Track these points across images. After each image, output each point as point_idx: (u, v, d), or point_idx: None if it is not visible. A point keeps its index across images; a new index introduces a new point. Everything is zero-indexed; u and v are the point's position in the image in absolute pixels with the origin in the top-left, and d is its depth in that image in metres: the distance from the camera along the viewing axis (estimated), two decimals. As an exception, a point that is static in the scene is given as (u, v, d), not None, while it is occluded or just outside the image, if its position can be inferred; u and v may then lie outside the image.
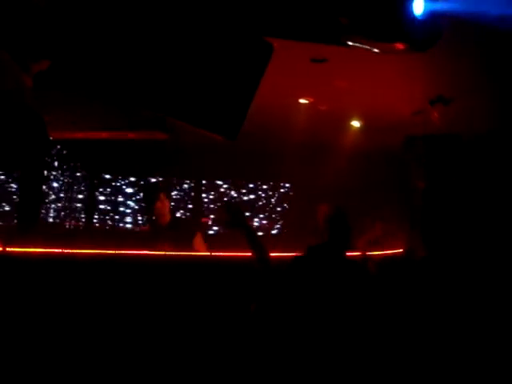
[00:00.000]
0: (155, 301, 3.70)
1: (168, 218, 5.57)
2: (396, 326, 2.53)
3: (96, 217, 8.00)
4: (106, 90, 3.26)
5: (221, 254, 4.69)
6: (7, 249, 3.79)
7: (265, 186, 8.50)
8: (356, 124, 6.45)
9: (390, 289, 2.68)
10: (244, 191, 8.44)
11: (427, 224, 6.33)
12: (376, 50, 3.50)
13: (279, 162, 7.15)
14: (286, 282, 2.57)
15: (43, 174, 7.15)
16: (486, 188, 6.61)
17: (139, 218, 8.09)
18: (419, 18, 3.31)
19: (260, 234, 8.42)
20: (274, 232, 8.42)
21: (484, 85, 5.04)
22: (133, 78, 3.23)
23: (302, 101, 5.72)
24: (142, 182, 8.15)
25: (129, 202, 8.10)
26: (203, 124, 3.45)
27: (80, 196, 7.89)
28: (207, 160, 7.11)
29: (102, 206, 8.03)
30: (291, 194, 8.49)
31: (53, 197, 7.52)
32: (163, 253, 4.54)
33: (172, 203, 6.66)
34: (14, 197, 7.28)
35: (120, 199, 8.08)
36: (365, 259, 3.76)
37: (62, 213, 7.64)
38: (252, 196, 8.48)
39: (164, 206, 5.55)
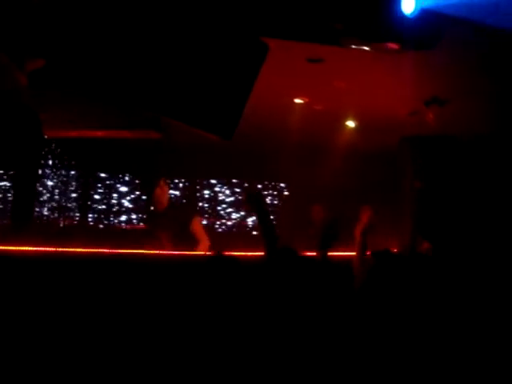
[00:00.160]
0: (150, 299, 3.70)
1: (165, 205, 5.61)
2: (394, 324, 2.54)
3: (90, 215, 7.99)
4: (101, 89, 3.25)
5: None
6: (1, 247, 3.78)
7: (259, 186, 8.50)
8: (351, 124, 6.45)
9: (387, 286, 2.69)
10: (238, 190, 8.44)
11: (423, 223, 6.34)
12: (370, 50, 3.52)
13: (274, 161, 7.15)
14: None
15: (37, 172, 7.14)
16: (481, 188, 6.63)
17: (133, 216, 8.08)
18: (410, 17, 3.32)
19: (254, 233, 8.43)
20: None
21: (479, 86, 5.05)
22: (128, 78, 3.23)
23: (297, 101, 5.72)
24: (137, 181, 8.14)
25: (123, 201, 8.08)
26: (199, 124, 3.45)
27: (74, 194, 7.88)
28: (203, 159, 7.11)
29: (96, 205, 8.01)
30: (286, 193, 8.50)
31: (47, 195, 7.50)
32: (158, 252, 4.55)
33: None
34: (9, 195, 7.26)
35: (114, 198, 8.06)
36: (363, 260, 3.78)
37: (57, 211, 7.63)
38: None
39: (163, 192, 5.60)
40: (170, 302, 3.64)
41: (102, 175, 8.04)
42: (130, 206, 8.10)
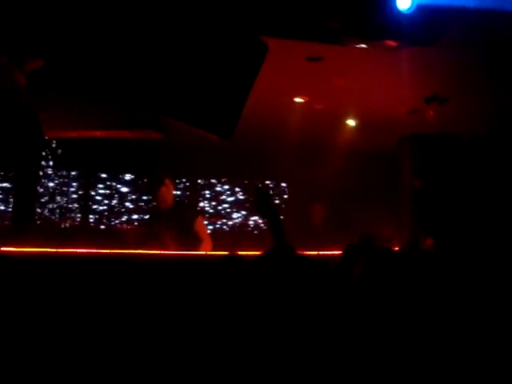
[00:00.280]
0: (152, 300, 3.69)
1: (170, 203, 5.60)
2: (393, 324, 2.53)
3: (91, 216, 8.00)
4: (101, 89, 3.25)
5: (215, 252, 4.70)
6: (2, 248, 3.78)
7: (261, 185, 8.50)
8: (351, 123, 6.45)
9: (382, 285, 2.68)
10: (239, 190, 8.44)
11: (422, 222, 6.33)
12: (368, 48, 3.52)
13: (275, 161, 7.15)
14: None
15: (38, 173, 7.15)
16: (481, 187, 6.63)
17: (135, 216, 8.09)
18: (407, 13, 3.32)
19: (255, 232, 8.43)
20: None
21: (480, 85, 5.05)
22: (128, 78, 3.23)
23: (297, 100, 5.71)
24: (138, 182, 8.14)
25: (124, 201, 8.09)
26: (198, 123, 3.45)
27: (75, 195, 7.88)
28: (203, 159, 7.11)
29: (97, 205, 8.02)
30: (287, 192, 8.50)
31: (48, 196, 7.51)
32: (160, 252, 4.54)
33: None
34: (10, 196, 7.26)
35: (116, 198, 8.07)
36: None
37: (57, 212, 7.63)
38: (247, 195, 8.48)
39: (168, 191, 5.58)
40: (175, 302, 3.64)
41: (103, 176, 8.05)
42: (132, 206, 8.11)
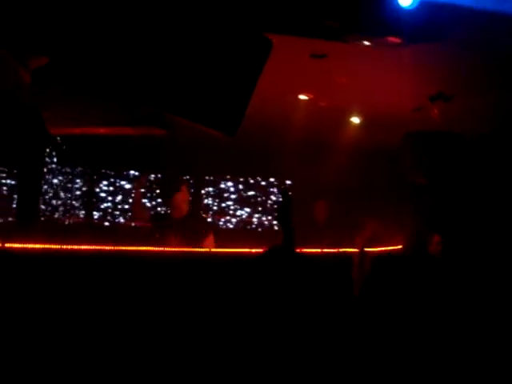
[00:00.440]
0: (155, 297, 3.70)
1: (184, 212, 5.41)
2: (395, 323, 2.52)
3: (95, 213, 8.00)
4: (105, 86, 3.24)
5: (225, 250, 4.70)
6: (6, 245, 3.79)
7: (263, 183, 8.50)
8: (356, 120, 6.44)
9: (388, 285, 2.67)
10: (242, 187, 8.44)
11: (426, 220, 6.32)
12: (372, 45, 3.52)
13: (279, 158, 7.15)
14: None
15: (42, 169, 7.17)
16: (486, 186, 6.61)
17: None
18: (409, 9, 3.30)
19: (260, 230, 8.43)
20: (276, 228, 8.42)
21: (486, 82, 5.02)
22: (131, 74, 3.22)
23: (301, 97, 5.70)
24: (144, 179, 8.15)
25: (129, 198, 8.10)
26: (202, 120, 3.44)
27: (79, 192, 7.89)
28: (207, 156, 7.11)
29: (101, 202, 8.02)
30: (291, 190, 8.49)
31: (52, 193, 7.52)
32: (164, 249, 4.54)
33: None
34: (14, 193, 7.27)
35: (120, 195, 8.08)
36: (362, 255, 3.76)
37: (62, 208, 7.64)
38: (251, 192, 8.48)
39: (184, 198, 5.38)
40: (177, 299, 3.65)
41: (107, 172, 8.05)
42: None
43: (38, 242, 3.91)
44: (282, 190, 4.75)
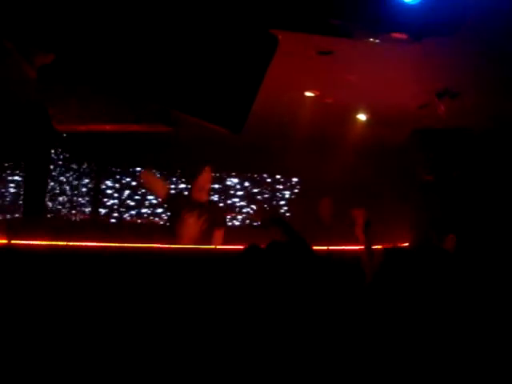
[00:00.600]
0: (160, 294, 3.70)
1: (206, 196, 5.36)
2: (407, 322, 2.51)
3: (102, 209, 8.02)
4: (111, 83, 3.24)
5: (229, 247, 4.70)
6: (12, 241, 3.80)
7: (269, 180, 8.49)
8: (362, 117, 6.42)
9: (397, 281, 2.66)
10: (248, 184, 8.44)
11: (434, 218, 6.30)
12: (379, 42, 3.50)
13: (285, 155, 7.14)
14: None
15: (48, 166, 7.18)
16: (493, 183, 6.58)
17: (144, 210, 8.10)
18: (413, 4, 3.27)
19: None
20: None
21: (493, 79, 5.00)
22: (137, 71, 3.22)
23: (307, 94, 5.69)
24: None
25: (135, 195, 8.11)
26: (208, 117, 3.43)
27: (85, 188, 7.90)
28: (213, 153, 7.10)
29: (107, 199, 8.04)
30: (297, 187, 8.48)
31: (58, 189, 7.54)
32: (169, 246, 4.54)
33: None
34: (20, 190, 7.30)
35: (126, 191, 8.09)
36: (370, 254, 3.74)
37: (68, 205, 7.66)
38: (257, 189, 8.48)
39: (208, 179, 5.33)
40: (181, 295, 3.64)
41: (114, 169, 8.06)
42: (142, 199, 8.12)
43: (44, 239, 3.92)
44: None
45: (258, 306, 2.27)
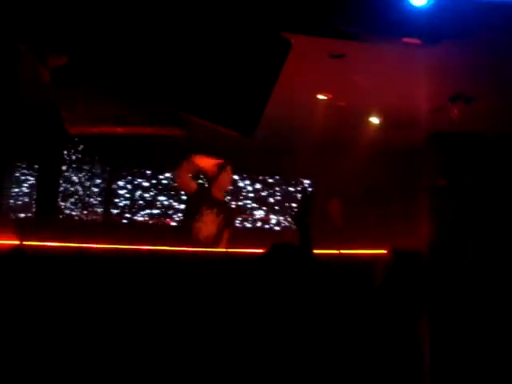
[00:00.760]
0: (172, 296, 3.70)
1: (224, 196, 5.36)
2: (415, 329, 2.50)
3: (113, 210, 8.05)
4: (123, 86, 3.25)
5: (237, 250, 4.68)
6: (24, 242, 3.81)
7: (281, 182, 8.49)
8: (375, 121, 6.40)
9: (407, 286, 2.64)
10: (259, 186, 8.44)
11: (447, 222, 6.27)
12: (391, 47, 3.50)
13: (297, 158, 7.13)
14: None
15: (61, 167, 7.21)
16: (508, 188, 6.53)
17: (155, 211, 8.12)
18: (425, 9, 3.25)
19: (277, 228, 8.42)
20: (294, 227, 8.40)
21: (508, 83, 4.96)
22: (149, 74, 3.22)
23: (320, 97, 5.68)
24: (160, 176, 8.17)
25: (146, 196, 8.13)
26: (219, 120, 3.43)
27: (97, 189, 7.94)
28: (225, 155, 7.10)
29: (119, 199, 8.07)
30: (311, 190, 8.47)
31: (71, 190, 7.58)
32: (182, 249, 4.53)
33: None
34: (33, 190, 7.34)
35: (138, 192, 8.11)
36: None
37: (80, 205, 7.69)
38: (267, 191, 8.48)
39: (228, 177, 5.33)
40: (189, 299, 3.64)
41: (126, 170, 8.09)
42: (153, 200, 8.15)
43: (56, 239, 3.93)
44: (303, 192, 4.69)
45: (262, 310, 2.27)
